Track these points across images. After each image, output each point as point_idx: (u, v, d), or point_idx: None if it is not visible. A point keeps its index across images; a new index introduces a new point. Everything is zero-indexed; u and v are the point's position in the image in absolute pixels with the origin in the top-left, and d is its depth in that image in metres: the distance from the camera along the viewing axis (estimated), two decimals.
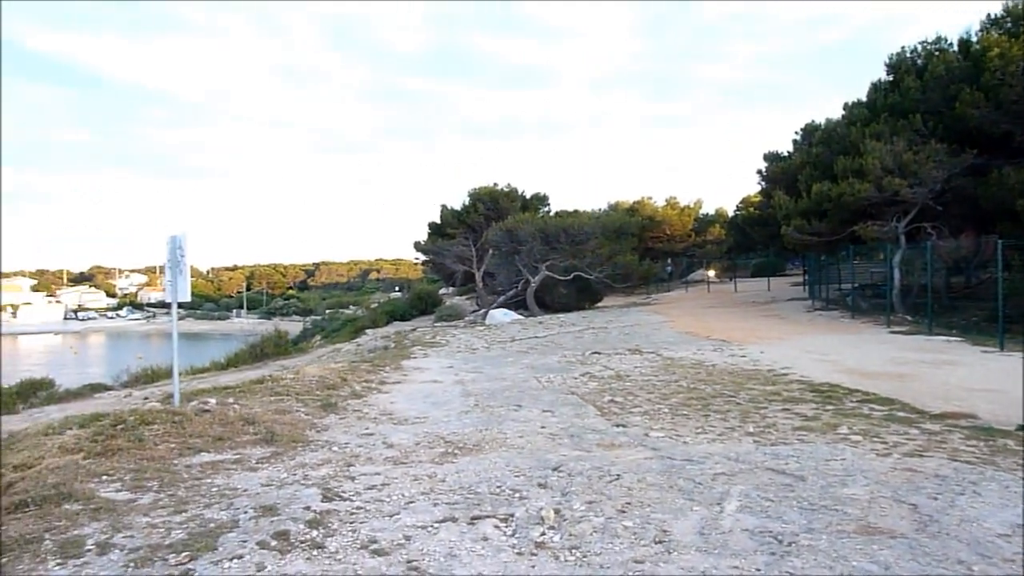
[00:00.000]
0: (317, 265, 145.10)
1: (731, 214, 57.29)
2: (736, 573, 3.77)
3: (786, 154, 32.45)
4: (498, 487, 5.39)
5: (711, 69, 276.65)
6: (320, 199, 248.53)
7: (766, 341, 15.90)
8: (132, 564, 3.93)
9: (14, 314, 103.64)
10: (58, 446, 6.18)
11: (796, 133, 32.12)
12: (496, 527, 4.52)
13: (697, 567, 3.85)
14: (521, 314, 29.17)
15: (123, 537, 4.36)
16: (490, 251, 33.98)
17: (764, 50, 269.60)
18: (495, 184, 39.27)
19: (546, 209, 40.71)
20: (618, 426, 7.73)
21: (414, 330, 26.84)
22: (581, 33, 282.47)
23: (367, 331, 32.85)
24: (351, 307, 74.72)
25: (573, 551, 4.11)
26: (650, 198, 55.05)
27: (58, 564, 3.99)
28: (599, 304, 34.00)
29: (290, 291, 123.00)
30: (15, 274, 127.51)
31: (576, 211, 39.20)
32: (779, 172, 29.65)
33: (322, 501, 5.01)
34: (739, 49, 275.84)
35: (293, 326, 49.74)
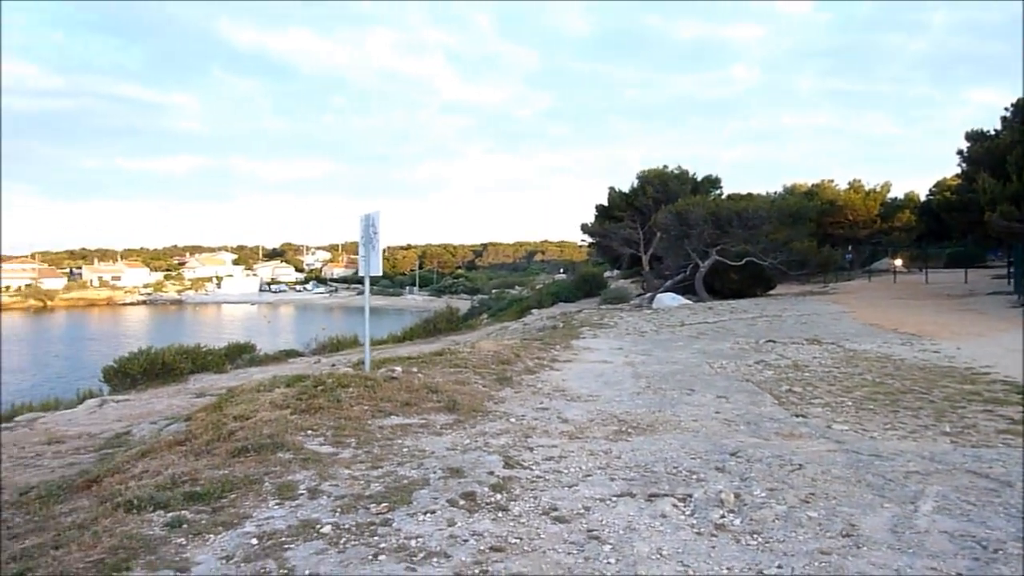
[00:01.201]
0: (485, 246, 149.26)
1: (923, 199, 52.70)
2: (934, 574, 3.57)
3: (993, 132, 29.40)
4: (674, 468, 5.40)
5: (903, 40, 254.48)
6: (488, 182, 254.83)
7: (963, 337, 14.60)
8: (339, 509, 4.34)
9: (218, 285, 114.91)
10: (269, 401, 6.87)
11: (1006, 109, 28.98)
12: (674, 506, 4.54)
13: (890, 564, 3.68)
14: (688, 299, 28.58)
15: (329, 485, 4.81)
16: (658, 234, 33.44)
17: (966, 18, 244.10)
18: (664, 166, 38.53)
19: (717, 192, 39.37)
20: (798, 416, 7.46)
21: (580, 311, 27.04)
22: (756, 8, 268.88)
23: (532, 311, 33.48)
24: (516, 287, 76.33)
25: (755, 536, 4.06)
26: (831, 181, 51.80)
27: (276, 504, 4.48)
28: (771, 292, 32.60)
29: (459, 270, 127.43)
30: (219, 249, 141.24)
31: (749, 194, 37.68)
32: (984, 152, 26.97)
33: (504, 468, 5.25)
34: (936, 18, 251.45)
35: (461, 304, 51.64)
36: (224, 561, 3.64)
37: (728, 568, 3.66)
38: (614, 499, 4.65)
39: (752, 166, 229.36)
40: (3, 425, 11.09)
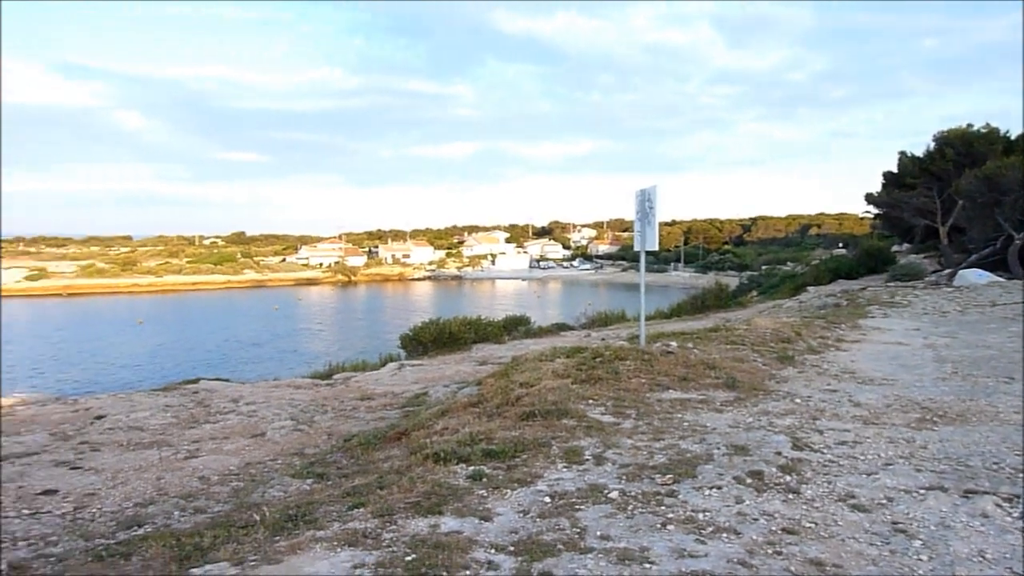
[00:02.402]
0: (754, 220, 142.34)
1: None
2: None
3: None
4: (995, 463, 4.77)
5: None
6: (758, 153, 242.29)
7: None
8: (624, 477, 4.44)
9: (493, 262, 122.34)
10: (551, 371, 7.21)
11: None
12: (998, 506, 4.02)
13: None
14: (999, 276, 24.91)
15: (613, 453, 4.94)
16: (960, 203, 29.48)
17: None
18: (968, 125, 33.71)
19: None
20: None
21: (864, 289, 24.80)
22: None
23: (808, 288, 31.34)
24: (789, 263, 71.95)
25: None
26: None
27: (564, 466, 4.70)
28: None
29: (726, 246, 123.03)
30: (494, 228, 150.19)
31: None
32: None
33: (792, 449, 5.01)
34: None
35: (729, 281, 49.85)
36: (521, 515, 3.90)
37: None
38: (922, 492, 4.24)
39: None
40: (323, 382, 12.86)
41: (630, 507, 3.96)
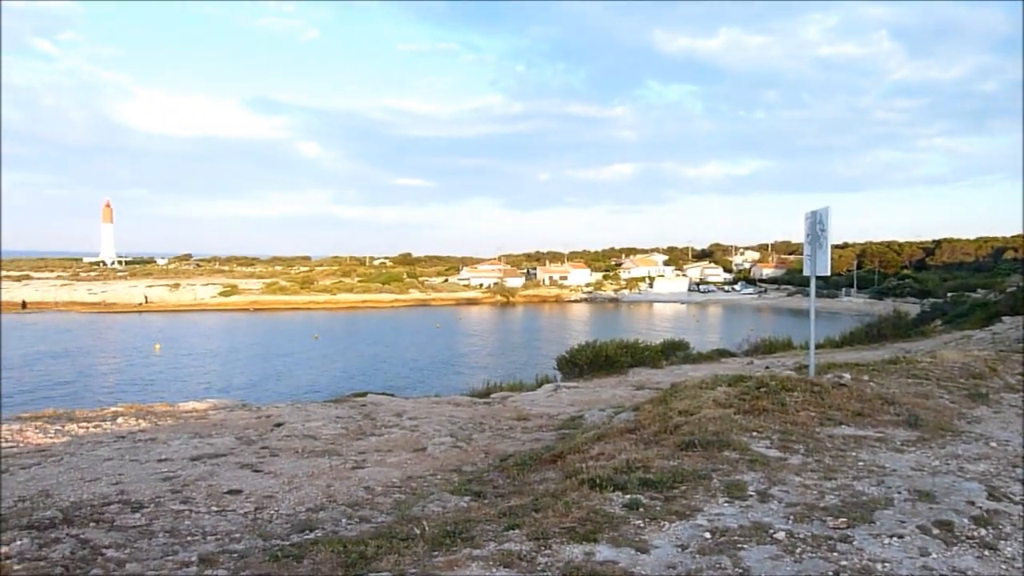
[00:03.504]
0: (938, 243, 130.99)
1: None
2: None
3: None
4: None
5: None
6: (943, 170, 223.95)
7: None
8: (791, 517, 4.17)
9: (650, 284, 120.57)
10: (712, 399, 6.95)
11: None
12: None
13: None
14: None
15: (779, 490, 4.66)
16: None
17: None
18: None
19: None
20: None
21: None
22: None
23: (1003, 318, 28.31)
24: (979, 290, 65.50)
25: None
26: None
27: (726, 501, 4.48)
28: None
29: (905, 271, 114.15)
30: (652, 250, 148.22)
31: None
32: None
33: (988, 499, 4.51)
34: None
35: (908, 308, 46.10)
36: (679, 549, 3.76)
37: None
38: None
39: None
40: (481, 400, 13.14)
41: (798, 550, 3.71)
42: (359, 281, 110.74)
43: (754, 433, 6.00)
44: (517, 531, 4.09)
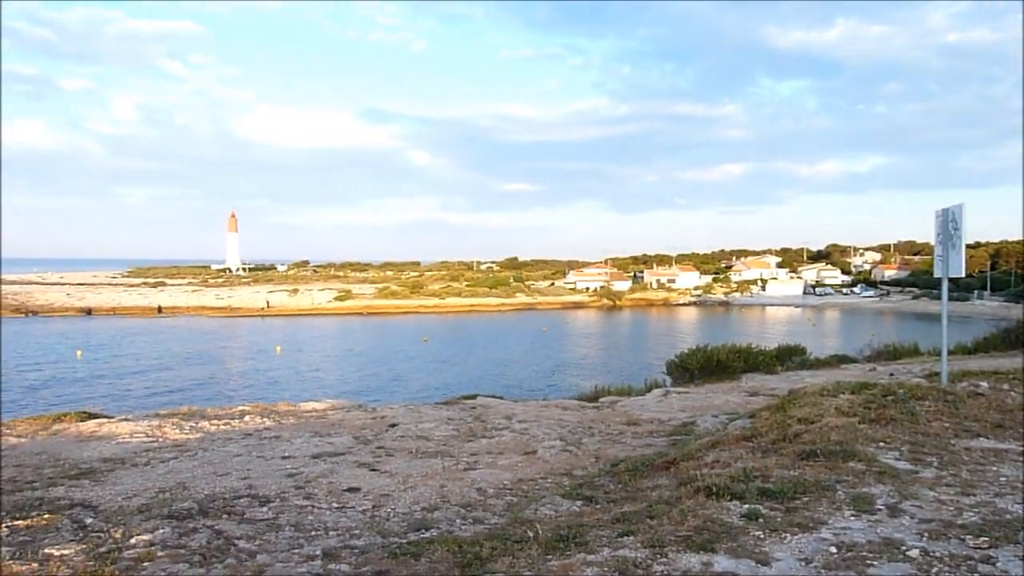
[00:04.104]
0: None
1: None
2: None
3: None
4: None
5: None
6: None
7: None
8: (926, 534, 3.93)
9: (763, 287, 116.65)
10: (834, 407, 6.65)
11: None
12: None
13: None
14: None
15: (911, 505, 4.41)
16: None
17: None
18: None
19: None
20: None
21: None
22: None
23: None
24: None
25: None
26: None
27: (852, 515, 4.27)
28: None
29: None
30: (764, 252, 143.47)
31: None
32: None
33: None
34: None
35: None
36: (803, 563, 3.61)
37: None
38: None
39: None
40: (590, 405, 13.08)
41: (934, 570, 3.49)
42: (467, 285, 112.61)
43: (881, 444, 5.69)
44: (631, 538, 4.05)
